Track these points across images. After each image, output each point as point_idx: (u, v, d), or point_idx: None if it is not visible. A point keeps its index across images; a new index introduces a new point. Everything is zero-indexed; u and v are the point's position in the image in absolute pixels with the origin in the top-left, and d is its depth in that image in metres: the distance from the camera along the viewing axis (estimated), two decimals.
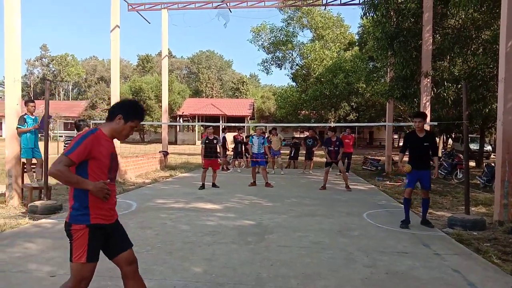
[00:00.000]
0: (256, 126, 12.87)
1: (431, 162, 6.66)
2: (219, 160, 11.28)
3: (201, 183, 10.54)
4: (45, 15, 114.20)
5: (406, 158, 6.96)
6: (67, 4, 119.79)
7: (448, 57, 12.66)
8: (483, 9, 10.78)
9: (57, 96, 76.02)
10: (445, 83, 11.95)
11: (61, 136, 45.07)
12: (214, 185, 10.73)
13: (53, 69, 78.12)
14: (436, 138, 29.29)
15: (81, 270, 2.60)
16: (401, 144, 45.09)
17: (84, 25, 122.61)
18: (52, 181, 7.57)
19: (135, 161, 13.82)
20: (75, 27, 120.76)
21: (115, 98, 12.57)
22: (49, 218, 6.72)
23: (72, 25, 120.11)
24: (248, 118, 47.09)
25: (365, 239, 5.68)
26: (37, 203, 7.23)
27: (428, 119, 11.82)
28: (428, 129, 11.68)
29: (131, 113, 2.78)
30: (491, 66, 10.92)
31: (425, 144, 6.42)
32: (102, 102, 47.01)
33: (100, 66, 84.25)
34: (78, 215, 2.61)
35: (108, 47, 12.95)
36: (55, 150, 22.82)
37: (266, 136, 14.42)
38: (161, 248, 5.09)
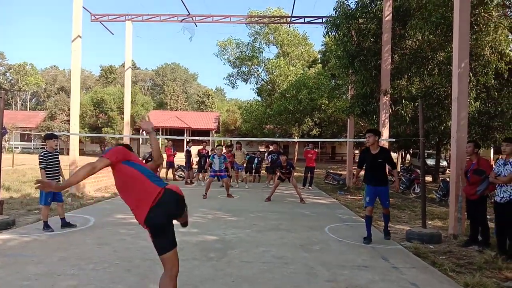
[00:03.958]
0: (217, 146, 12.91)
1: (389, 177, 6.80)
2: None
3: None
4: (3, 22, 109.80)
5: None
6: (26, 12, 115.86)
7: (406, 76, 13.20)
8: (437, 32, 11.36)
9: (14, 106, 72.81)
10: (403, 101, 12.42)
11: (17, 148, 43.13)
12: None
13: (10, 78, 74.89)
14: (395, 154, 30.39)
15: None
16: None
17: (44, 34, 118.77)
18: (4, 195, 7.20)
19: (95, 175, 13.35)
20: (35, 36, 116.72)
21: (75, 109, 12.19)
22: (0, 234, 6.37)
23: (32, 33, 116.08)
24: (214, 131, 46.93)
25: (326, 253, 5.74)
26: None
27: (387, 135, 12.24)
28: (384, 145, 12.14)
29: None
30: (445, 85, 11.47)
31: (378, 160, 6.49)
32: (61, 113, 45.47)
33: (60, 76, 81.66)
34: None
35: (69, 56, 12.59)
36: (9, 162, 21.78)
37: (230, 150, 14.53)
38: (119, 265, 4.92)
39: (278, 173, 11.60)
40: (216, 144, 12.67)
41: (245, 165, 16.00)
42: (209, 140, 16.90)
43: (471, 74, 10.14)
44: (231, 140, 14.82)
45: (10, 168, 19.67)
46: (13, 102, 74.20)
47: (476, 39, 10.71)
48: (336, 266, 5.09)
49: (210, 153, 15.53)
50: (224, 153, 12.71)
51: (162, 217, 2.99)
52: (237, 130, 48.56)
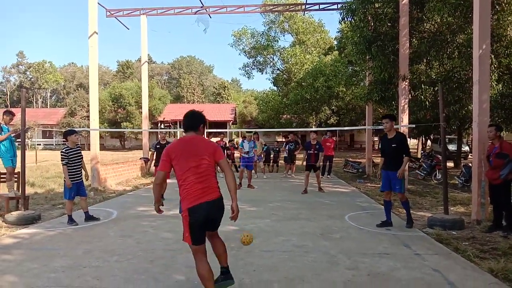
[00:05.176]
0: (247, 132, 13.22)
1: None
2: None
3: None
4: (22, 21, 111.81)
5: None
6: (44, 10, 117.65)
7: (425, 61, 12.90)
8: (457, 14, 11.04)
9: (34, 104, 74.49)
10: (423, 86, 12.17)
11: (39, 145, 44.17)
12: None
13: (30, 76, 76.45)
14: (415, 140, 29.96)
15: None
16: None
17: (62, 32, 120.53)
18: (29, 190, 7.40)
19: (115, 168, 13.62)
20: (52, 34, 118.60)
21: (94, 105, 12.38)
22: (27, 229, 6.57)
23: (49, 31, 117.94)
24: (230, 123, 47.04)
25: (347, 242, 5.73)
26: (14, 213, 7.07)
27: (406, 121, 12.03)
28: (401, 131, 11.94)
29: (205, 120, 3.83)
30: (466, 68, 11.17)
31: (393, 145, 6.47)
32: (81, 109, 46.26)
33: (79, 73, 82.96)
34: None
35: (87, 53, 12.76)
36: (33, 159, 22.34)
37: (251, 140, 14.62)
38: (142, 257, 5.02)
39: (304, 158, 11.36)
40: (246, 132, 12.97)
41: (263, 156, 16.07)
42: (226, 132, 16.97)
43: (492, 56, 9.84)
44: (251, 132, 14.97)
45: (33, 165, 20.19)
46: (34, 100, 75.89)
47: (498, 19, 10.37)
48: (357, 254, 5.07)
49: (227, 145, 15.65)
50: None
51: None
52: (254, 120, 48.57)
